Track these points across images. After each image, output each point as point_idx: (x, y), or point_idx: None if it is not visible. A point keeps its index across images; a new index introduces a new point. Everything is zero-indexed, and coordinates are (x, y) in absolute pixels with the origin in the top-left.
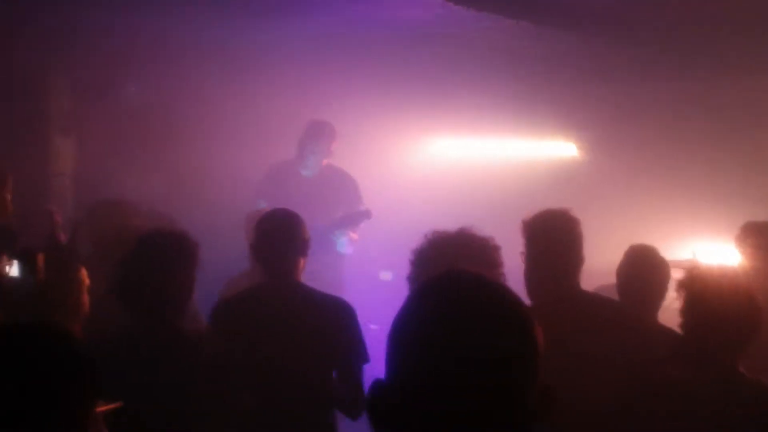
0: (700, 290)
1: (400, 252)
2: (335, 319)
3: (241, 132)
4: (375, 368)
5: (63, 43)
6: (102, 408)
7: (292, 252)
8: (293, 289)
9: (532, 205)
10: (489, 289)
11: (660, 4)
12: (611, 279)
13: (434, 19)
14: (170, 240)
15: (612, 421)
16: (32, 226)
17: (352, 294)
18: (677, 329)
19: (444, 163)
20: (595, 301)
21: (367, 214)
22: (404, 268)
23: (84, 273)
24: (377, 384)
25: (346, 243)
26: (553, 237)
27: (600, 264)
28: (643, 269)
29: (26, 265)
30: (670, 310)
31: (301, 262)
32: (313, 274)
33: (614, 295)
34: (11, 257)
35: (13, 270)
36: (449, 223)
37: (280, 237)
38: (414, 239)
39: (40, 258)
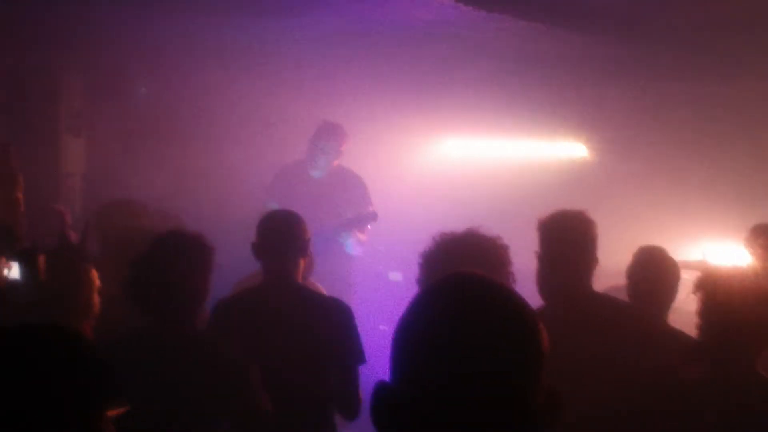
0: (718, 292)
1: (409, 253)
2: (332, 319)
3: (250, 132)
4: (383, 369)
5: (73, 44)
6: (111, 412)
7: (291, 252)
8: (291, 290)
9: (542, 205)
10: (495, 291)
11: (672, 6)
12: (621, 280)
13: (445, 20)
14: (187, 242)
15: (628, 422)
16: (43, 226)
17: (361, 295)
18: (686, 330)
19: (453, 163)
20: (606, 302)
21: (373, 217)
22: (413, 269)
23: (94, 273)
24: (381, 385)
25: (353, 244)
26: (568, 238)
27: (610, 265)
28: (652, 270)
29: (26, 266)
30: (680, 311)
31: (301, 262)
32: (322, 275)
33: (624, 296)
34: (11, 259)
35: (14, 272)
36: (459, 224)
37: (280, 237)
38: (423, 240)
39: (41, 259)
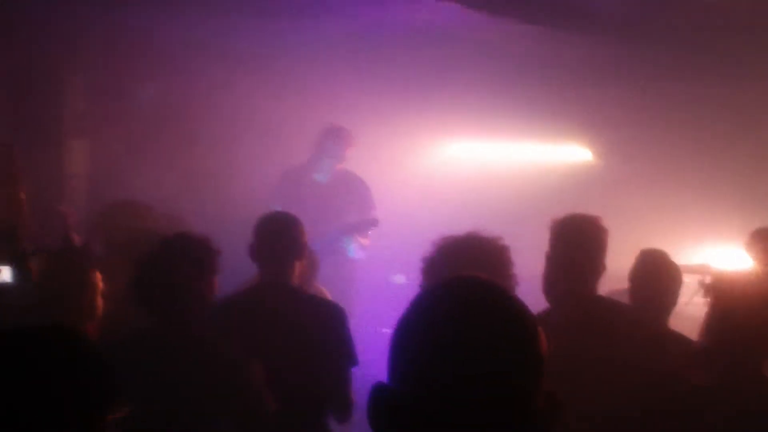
0: (727, 296)
1: (413, 255)
2: (324, 321)
3: (254, 134)
4: (385, 372)
5: (78, 45)
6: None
7: (287, 255)
8: (284, 292)
9: (546, 208)
10: (496, 294)
11: (676, 8)
12: (623, 283)
13: (448, 23)
14: (193, 244)
15: (634, 426)
16: (46, 227)
17: (364, 298)
18: (688, 334)
19: (457, 166)
20: (610, 306)
21: (373, 223)
22: (417, 272)
23: (98, 275)
24: (379, 387)
25: (356, 248)
26: (579, 242)
27: (612, 268)
28: (654, 274)
29: (18, 269)
30: (682, 314)
31: (298, 265)
32: (326, 278)
33: (626, 300)
34: (2, 263)
35: (5, 275)
36: (462, 227)
37: (276, 240)
38: (427, 243)
39: (34, 262)
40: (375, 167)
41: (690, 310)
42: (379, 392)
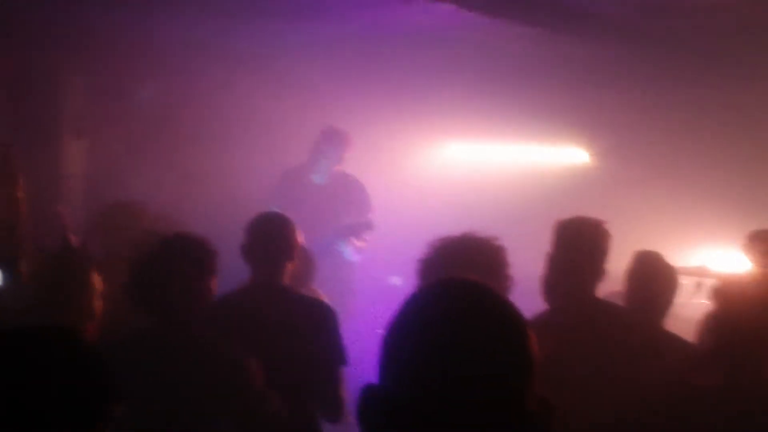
0: (733, 298)
1: (410, 257)
2: (314, 321)
3: (253, 135)
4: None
5: (77, 45)
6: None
7: (279, 256)
8: (275, 292)
9: (543, 210)
10: (484, 296)
11: (675, 10)
12: (620, 285)
13: (447, 25)
14: (191, 244)
15: (638, 428)
16: (43, 228)
17: (362, 299)
18: (684, 336)
19: (455, 168)
20: (609, 309)
21: (368, 226)
22: (414, 273)
23: (96, 275)
24: (369, 388)
25: (351, 250)
26: (580, 245)
27: (610, 270)
28: (650, 276)
29: (8, 272)
30: (678, 316)
31: (288, 266)
32: (323, 281)
33: (621, 302)
34: None
35: None
36: (460, 229)
37: (268, 240)
38: (424, 244)
39: (25, 264)
40: (372, 169)
41: (686, 312)
42: (368, 393)
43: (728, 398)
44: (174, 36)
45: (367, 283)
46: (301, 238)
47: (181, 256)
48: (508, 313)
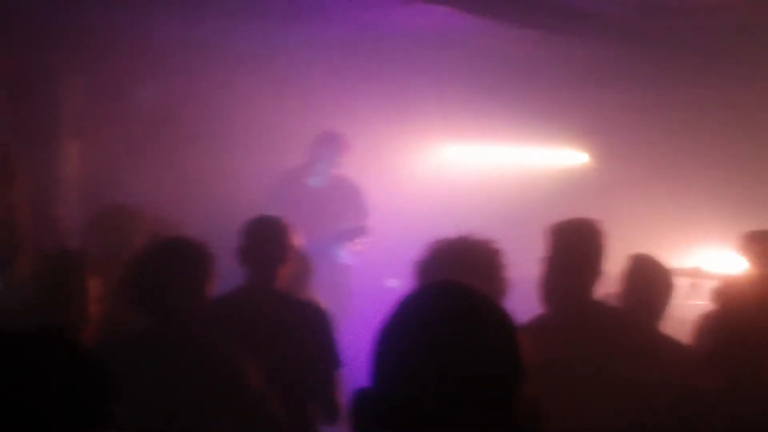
0: (736, 300)
1: (407, 259)
2: (308, 324)
3: (251, 137)
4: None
5: (75, 45)
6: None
7: (273, 258)
8: (269, 295)
9: (541, 211)
10: (472, 300)
11: (674, 11)
12: (615, 287)
13: (444, 27)
14: (188, 247)
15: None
16: (41, 230)
17: (359, 302)
18: (680, 337)
19: (452, 170)
20: (609, 311)
21: (362, 231)
22: (411, 275)
23: (93, 277)
24: (361, 392)
25: (347, 254)
26: (579, 247)
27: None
28: (644, 278)
29: (5, 273)
30: (674, 318)
31: (283, 269)
32: (321, 283)
33: (617, 304)
34: None
35: None
36: (457, 231)
37: (263, 243)
38: (421, 246)
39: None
40: (370, 170)
41: (681, 313)
42: (360, 398)
43: (729, 400)
44: (172, 37)
45: (365, 286)
46: (298, 240)
47: (180, 258)
48: (497, 317)
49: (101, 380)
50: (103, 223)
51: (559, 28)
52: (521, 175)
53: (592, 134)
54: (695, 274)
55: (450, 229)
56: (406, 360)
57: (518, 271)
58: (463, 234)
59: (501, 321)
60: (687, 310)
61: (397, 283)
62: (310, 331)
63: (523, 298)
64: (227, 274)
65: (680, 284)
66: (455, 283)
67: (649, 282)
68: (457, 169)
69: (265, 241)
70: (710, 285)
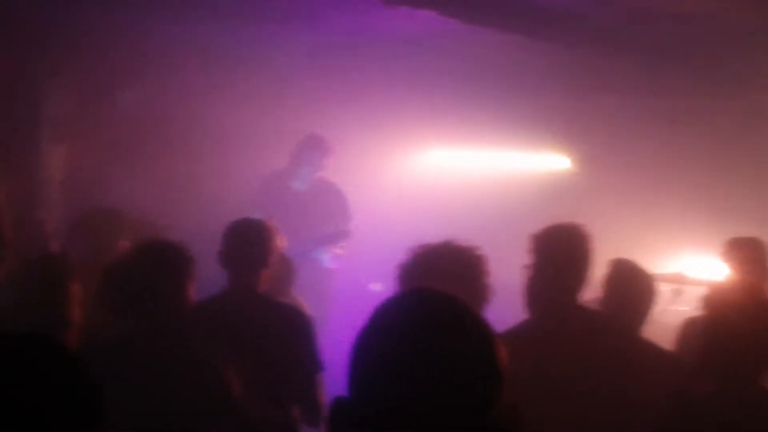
0: (724, 307)
1: (391, 263)
2: (289, 327)
3: (235, 140)
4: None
5: (59, 48)
6: None
7: (255, 261)
8: (250, 298)
9: (524, 217)
10: (449, 307)
11: (657, 18)
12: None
13: (429, 32)
14: (167, 251)
15: None
16: (23, 234)
17: (341, 305)
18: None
19: (436, 174)
20: (594, 316)
21: (344, 235)
22: (394, 280)
23: (76, 282)
24: (338, 401)
25: (329, 258)
26: (565, 253)
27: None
28: (626, 283)
29: None
30: (657, 323)
31: (264, 272)
32: (303, 286)
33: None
34: None
35: None
36: (441, 235)
37: (244, 246)
38: (404, 250)
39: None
40: (354, 174)
41: (664, 318)
42: (337, 406)
43: (720, 406)
44: (158, 40)
45: (348, 289)
46: (281, 243)
47: (160, 262)
48: (474, 324)
49: (87, 384)
50: (85, 226)
51: (543, 33)
52: (504, 179)
53: (576, 139)
54: (678, 279)
55: (434, 233)
56: (382, 367)
57: (501, 277)
58: (446, 239)
59: (478, 328)
60: (669, 315)
61: (380, 286)
62: (292, 334)
63: (507, 305)
64: (212, 277)
65: (663, 290)
66: (430, 290)
67: (631, 287)
68: (441, 174)
69: (247, 243)
70: (693, 291)
